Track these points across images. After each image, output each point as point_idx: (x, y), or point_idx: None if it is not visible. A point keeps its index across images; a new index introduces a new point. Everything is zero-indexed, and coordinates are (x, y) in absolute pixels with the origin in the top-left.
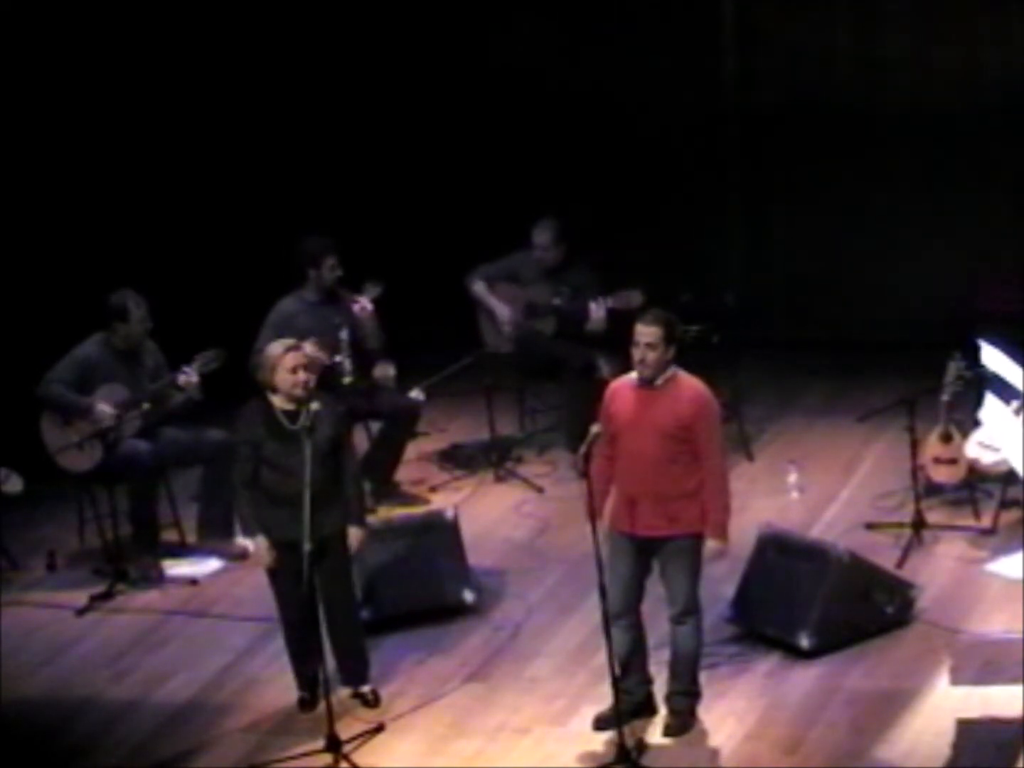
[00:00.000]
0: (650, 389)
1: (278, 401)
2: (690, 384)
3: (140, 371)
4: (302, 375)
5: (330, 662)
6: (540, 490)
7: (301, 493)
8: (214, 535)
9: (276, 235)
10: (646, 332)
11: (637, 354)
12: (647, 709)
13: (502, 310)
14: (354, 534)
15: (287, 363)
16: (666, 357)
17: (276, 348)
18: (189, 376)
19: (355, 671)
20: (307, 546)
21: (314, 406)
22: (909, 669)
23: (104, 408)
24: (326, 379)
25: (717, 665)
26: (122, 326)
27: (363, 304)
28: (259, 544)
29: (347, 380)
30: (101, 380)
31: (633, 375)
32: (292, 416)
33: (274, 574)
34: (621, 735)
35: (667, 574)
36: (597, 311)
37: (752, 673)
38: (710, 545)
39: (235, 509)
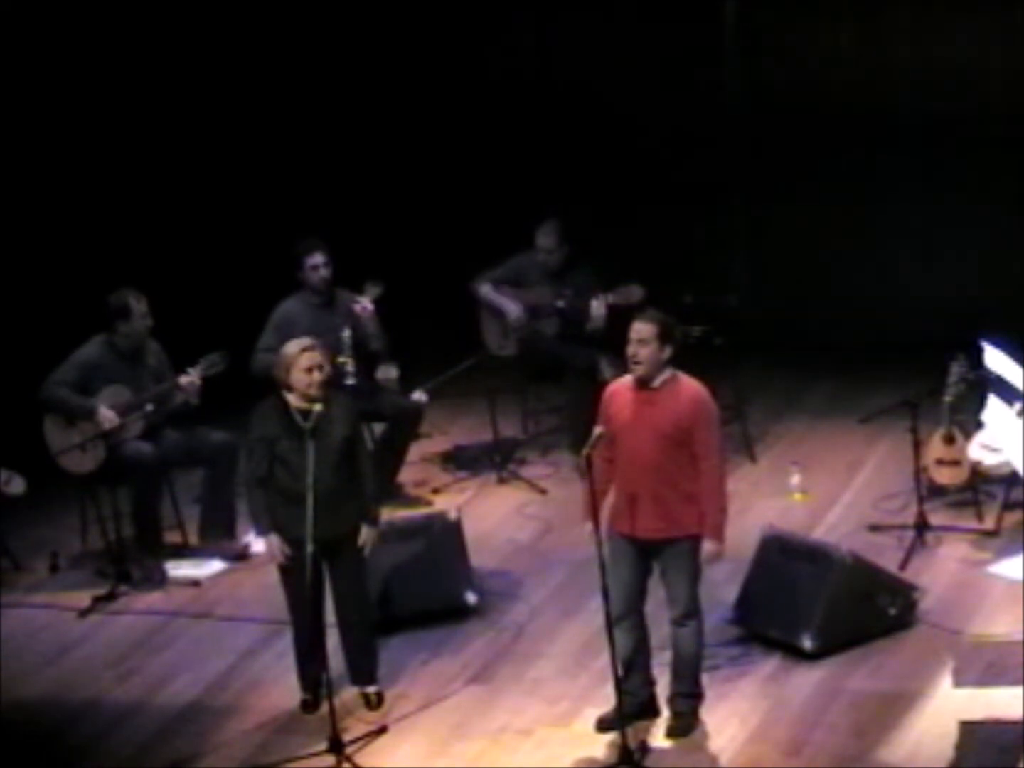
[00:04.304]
0: (648, 391)
1: (293, 400)
2: (689, 386)
3: (143, 372)
4: (317, 375)
5: (335, 663)
6: (543, 492)
7: (314, 492)
8: (216, 536)
9: (279, 237)
10: (639, 328)
11: (630, 350)
12: (650, 711)
13: (511, 308)
14: (366, 532)
15: (302, 363)
16: (661, 356)
17: (292, 348)
18: (192, 378)
19: (365, 671)
20: (310, 547)
21: (317, 407)
22: (912, 671)
23: (107, 413)
24: (329, 381)
25: (720, 667)
26: (124, 324)
27: (364, 304)
28: (271, 542)
29: (350, 382)
30: (104, 382)
31: (631, 377)
32: (307, 415)
33: (286, 573)
34: (624, 737)
35: (667, 577)
36: (597, 308)
37: (755, 675)
38: (707, 547)
39: (248, 507)
